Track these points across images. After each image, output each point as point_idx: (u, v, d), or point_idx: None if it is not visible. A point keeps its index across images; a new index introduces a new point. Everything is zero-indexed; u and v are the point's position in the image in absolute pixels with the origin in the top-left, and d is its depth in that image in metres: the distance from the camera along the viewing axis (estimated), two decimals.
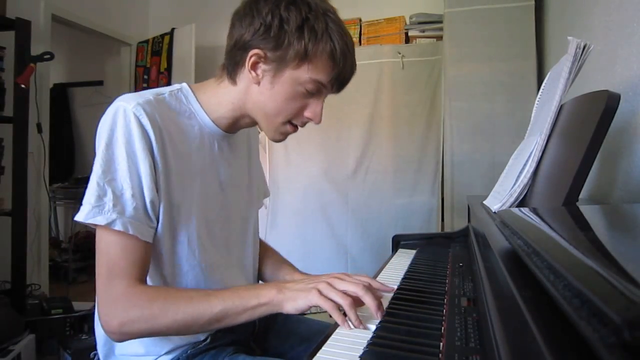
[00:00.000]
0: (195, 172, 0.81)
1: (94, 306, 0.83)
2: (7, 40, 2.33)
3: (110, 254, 0.70)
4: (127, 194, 0.70)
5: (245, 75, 0.78)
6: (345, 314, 0.69)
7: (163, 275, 0.79)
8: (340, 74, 0.77)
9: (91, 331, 2.16)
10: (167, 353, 0.80)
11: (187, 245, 0.80)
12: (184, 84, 0.84)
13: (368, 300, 0.69)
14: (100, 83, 4.27)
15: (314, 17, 0.73)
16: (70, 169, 4.34)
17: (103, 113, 0.75)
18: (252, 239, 0.98)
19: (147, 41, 3.53)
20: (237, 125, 0.86)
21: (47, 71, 2.87)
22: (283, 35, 0.73)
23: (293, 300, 0.69)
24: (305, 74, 0.75)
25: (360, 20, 2.79)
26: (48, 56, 2.36)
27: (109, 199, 0.69)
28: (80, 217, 0.69)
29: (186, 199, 0.79)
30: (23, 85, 2.23)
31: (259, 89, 0.78)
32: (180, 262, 0.80)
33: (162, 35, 3.40)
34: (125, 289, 0.69)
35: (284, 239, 2.67)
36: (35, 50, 2.38)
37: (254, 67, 0.76)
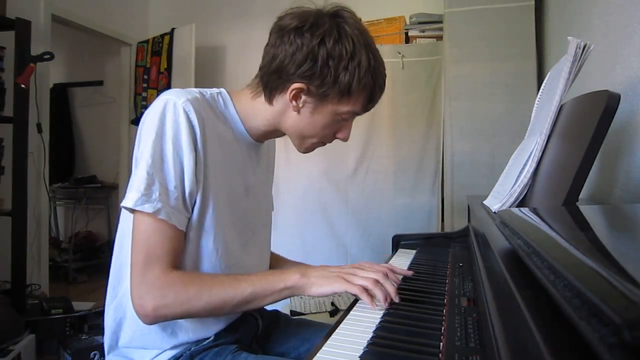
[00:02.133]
0: (225, 174, 0.84)
1: (104, 302, 0.85)
2: (7, 40, 2.33)
3: (149, 242, 0.72)
4: (172, 185, 0.73)
5: (283, 100, 0.81)
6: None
7: (184, 263, 0.80)
8: (374, 104, 0.84)
9: (91, 331, 2.16)
10: (171, 348, 0.81)
11: (212, 241, 0.82)
12: (223, 89, 0.87)
13: (377, 292, 0.74)
14: (100, 83, 4.27)
15: (358, 53, 0.75)
16: (70, 169, 4.33)
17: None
18: (267, 246, 1.02)
19: (147, 41, 3.53)
20: (267, 137, 0.91)
21: (47, 71, 2.87)
22: (328, 72, 0.75)
23: (319, 285, 0.74)
24: (345, 107, 0.80)
25: (360, 20, 2.78)
26: (48, 56, 2.36)
27: (156, 188, 0.72)
28: (128, 203, 0.71)
29: (215, 197, 0.82)
30: (23, 85, 2.23)
31: (297, 116, 0.82)
32: (202, 256, 0.82)
33: (162, 35, 3.40)
34: (161, 274, 0.71)
35: (284, 239, 2.67)
36: (35, 50, 2.38)
37: (295, 97, 0.79)
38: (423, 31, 2.61)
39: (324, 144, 0.89)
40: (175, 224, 0.73)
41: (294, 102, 0.79)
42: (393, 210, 2.55)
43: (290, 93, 0.78)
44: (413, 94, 2.54)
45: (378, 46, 0.83)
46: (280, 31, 0.77)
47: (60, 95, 4.34)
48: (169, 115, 0.74)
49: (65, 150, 4.30)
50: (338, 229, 2.64)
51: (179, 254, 0.76)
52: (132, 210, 0.73)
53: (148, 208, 0.71)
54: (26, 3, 2.70)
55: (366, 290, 0.74)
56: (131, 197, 0.71)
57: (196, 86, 0.90)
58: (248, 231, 0.91)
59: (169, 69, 3.34)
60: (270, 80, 0.80)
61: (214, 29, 3.49)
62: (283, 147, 2.84)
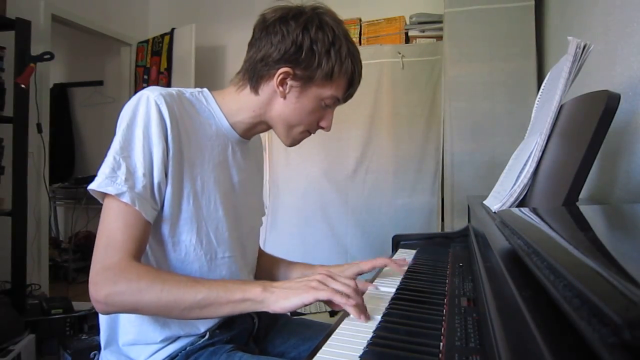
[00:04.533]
0: (209, 168, 0.85)
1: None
2: (7, 40, 2.33)
3: (112, 226, 0.72)
4: (139, 172, 0.74)
5: (269, 88, 0.84)
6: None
7: (168, 260, 0.81)
8: (353, 91, 0.89)
9: (91, 331, 2.16)
10: (163, 342, 0.81)
11: (195, 234, 0.82)
12: (205, 89, 0.90)
13: (352, 305, 0.70)
14: (100, 83, 4.26)
15: (339, 41, 0.81)
16: (70, 169, 4.33)
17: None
18: (255, 246, 1.02)
19: (147, 41, 3.53)
20: (253, 131, 0.92)
21: (47, 71, 2.87)
22: (312, 57, 0.80)
23: (284, 298, 0.69)
24: (328, 91, 0.84)
25: (360, 20, 2.78)
26: (48, 56, 2.36)
27: (122, 172, 0.73)
28: (93, 185, 0.73)
29: (199, 190, 0.83)
30: (23, 85, 2.23)
31: (283, 102, 0.85)
32: (187, 250, 0.82)
33: (162, 35, 3.40)
34: (119, 261, 0.70)
35: (284, 239, 2.66)
36: (35, 50, 2.38)
37: (282, 82, 0.82)
38: (423, 31, 2.61)
39: (309, 133, 0.91)
40: (140, 211, 0.72)
41: (280, 88, 0.82)
42: (393, 210, 2.55)
43: (277, 78, 0.81)
44: (413, 94, 2.54)
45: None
46: (264, 23, 0.83)
47: (60, 95, 4.35)
48: (141, 107, 0.77)
49: (65, 150, 4.30)
50: (338, 229, 2.64)
51: (142, 243, 0.74)
52: (102, 196, 0.74)
53: (111, 190, 0.71)
54: (26, 3, 2.70)
55: (338, 292, 0.69)
56: (96, 180, 0.73)
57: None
58: (237, 227, 0.91)
59: (169, 69, 3.34)
60: (257, 69, 0.83)
61: (214, 29, 3.49)
62: (283, 147, 2.85)
